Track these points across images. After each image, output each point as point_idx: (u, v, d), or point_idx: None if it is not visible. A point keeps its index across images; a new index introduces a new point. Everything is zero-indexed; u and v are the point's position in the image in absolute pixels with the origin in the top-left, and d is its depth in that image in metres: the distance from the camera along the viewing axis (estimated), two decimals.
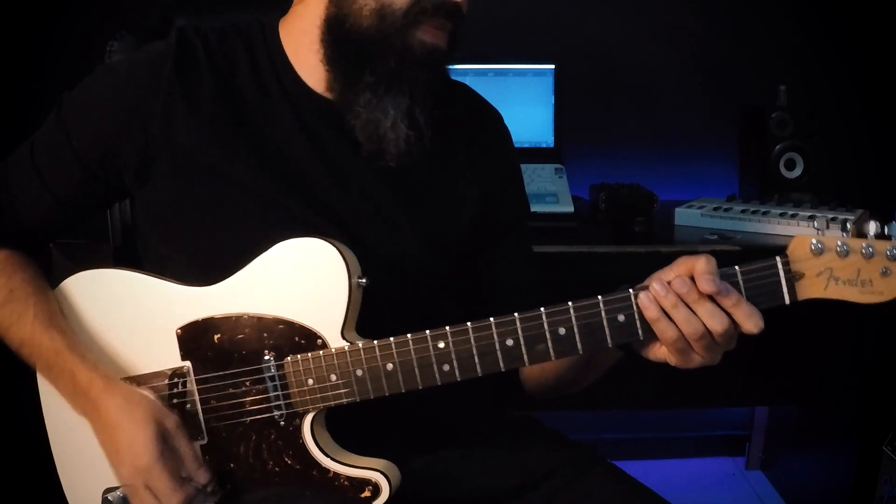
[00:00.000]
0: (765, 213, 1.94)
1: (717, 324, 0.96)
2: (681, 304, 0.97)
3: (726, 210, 1.99)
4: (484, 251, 1.24)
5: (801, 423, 2.42)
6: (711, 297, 0.96)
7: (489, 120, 1.29)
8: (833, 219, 1.83)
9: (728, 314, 0.96)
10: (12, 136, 1.22)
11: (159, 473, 1.03)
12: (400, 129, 1.08)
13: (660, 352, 1.02)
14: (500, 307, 1.04)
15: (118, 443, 1.05)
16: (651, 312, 0.98)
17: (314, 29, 1.11)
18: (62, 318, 1.13)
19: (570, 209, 1.94)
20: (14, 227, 1.18)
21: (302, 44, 1.13)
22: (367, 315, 1.08)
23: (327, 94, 1.14)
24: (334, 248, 1.05)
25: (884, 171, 2.33)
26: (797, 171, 2.18)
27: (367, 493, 1.06)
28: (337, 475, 1.07)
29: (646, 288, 0.99)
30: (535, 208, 1.88)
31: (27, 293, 1.13)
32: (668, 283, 0.97)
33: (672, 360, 1.01)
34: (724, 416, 2.64)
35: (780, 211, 1.93)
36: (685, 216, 2.02)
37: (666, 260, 1.00)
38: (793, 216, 1.89)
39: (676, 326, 0.97)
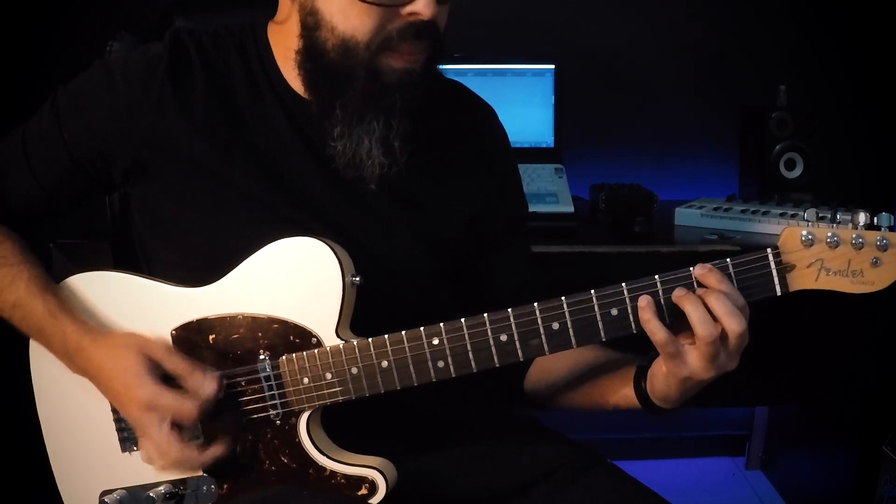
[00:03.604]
0: (765, 213, 1.94)
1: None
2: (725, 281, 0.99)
3: (726, 210, 1.99)
4: (483, 253, 1.24)
5: (801, 423, 2.42)
6: None
7: (484, 119, 1.28)
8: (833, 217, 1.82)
9: None
10: None
11: (162, 397, 1.04)
12: (375, 156, 1.09)
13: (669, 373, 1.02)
14: (500, 309, 1.04)
15: (117, 390, 1.07)
16: (711, 279, 0.99)
17: (294, 50, 1.11)
18: (54, 284, 1.14)
19: (570, 209, 1.94)
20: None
21: (288, 56, 1.13)
22: (362, 315, 1.08)
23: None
24: (327, 247, 1.05)
25: (884, 171, 2.32)
26: (797, 171, 2.17)
27: (363, 491, 1.06)
28: (333, 473, 1.07)
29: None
30: (535, 208, 1.89)
31: (19, 259, 1.15)
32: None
33: (699, 365, 1.00)
34: (724, 416, 2.63)
35: (780, 211, 1.93)
36: (685, 216, 2.01)
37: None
38: (793, 216, 1.88)
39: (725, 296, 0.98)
